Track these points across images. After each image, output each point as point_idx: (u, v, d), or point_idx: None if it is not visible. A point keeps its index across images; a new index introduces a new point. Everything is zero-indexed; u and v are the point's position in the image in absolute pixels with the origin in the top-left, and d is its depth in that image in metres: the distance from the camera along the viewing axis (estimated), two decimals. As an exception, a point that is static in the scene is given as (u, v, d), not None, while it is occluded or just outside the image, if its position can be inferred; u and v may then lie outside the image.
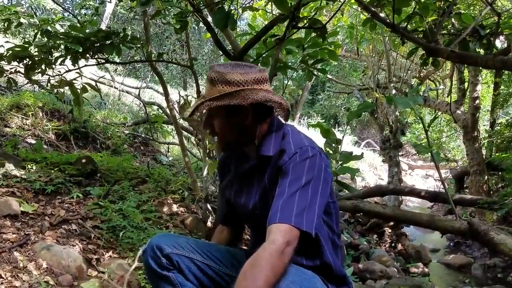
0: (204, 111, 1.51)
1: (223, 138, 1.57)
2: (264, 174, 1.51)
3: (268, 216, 1.36)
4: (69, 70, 3.59)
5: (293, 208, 1.33)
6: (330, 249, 1.53)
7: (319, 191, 1.39)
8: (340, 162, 2.79)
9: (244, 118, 1.50)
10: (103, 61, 3.55)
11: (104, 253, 2.96)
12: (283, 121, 1.61)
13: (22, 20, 3.55)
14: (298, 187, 1.37)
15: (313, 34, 3.19)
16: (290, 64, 3.63)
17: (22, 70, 3.52)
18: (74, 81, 3.59)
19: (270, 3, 3.75)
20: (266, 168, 1.51)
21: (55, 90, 5.66)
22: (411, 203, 10.20)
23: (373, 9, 3.05)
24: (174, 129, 6.06)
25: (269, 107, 1.53)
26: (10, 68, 3.58)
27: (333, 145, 2.83)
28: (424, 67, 7.74)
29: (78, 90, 3.57)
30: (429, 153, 3.47)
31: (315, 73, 3.54)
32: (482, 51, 3.62)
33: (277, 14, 3.16)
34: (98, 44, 3.25)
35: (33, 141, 5.13)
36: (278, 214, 1.33)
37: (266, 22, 4.05)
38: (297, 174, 1.40)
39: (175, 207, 4.02)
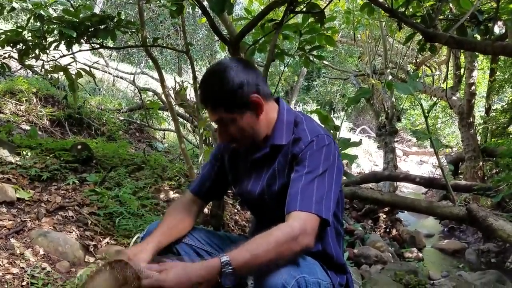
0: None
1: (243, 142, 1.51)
2: (274, 161, 1.49)
3: (287, 202, 1.35)
4: (64, 55, 3.54)
5: (313, 195, 1.33)
6: (333, 237, 1.53)
7: (334, 179, 1.40)
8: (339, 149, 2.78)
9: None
10: (97, 46, 3.50)
11: (101, 239, 2.96)
12: (292, 108, 1.58)
13: (14, 4, 3.48)
14: (316, 175, 1.36)
15: (311, 19, 3.15)
16: (286, 50, 3.60)
17: (15, 55, 3.46)
18: (68, 67, 3.54)
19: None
20: (277, 155, 1.49)
21: (49, 76, 5.62)
22: (406, 189, 10.26)
23: (371, -7, 3.01)
24: (169, 115, 6.03)
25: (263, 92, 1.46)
26: (4, 53, 3.53)
27: (331, 131, 2.82)
28: (421, 53, 7.72)
29: (73, 76, 3.52)
30: (425, 140, 3.47)
31: (312, 59, 3.51)
32: (479, 37, 3.60)
33: (274, -1, 3.12)
34: (93, 28, 3.20)
35: (28, 127, 5.09)
36: (298, 201, 1.32)
37: (263, 7, 4.00)
38: (314, 162, 1.39)
39: (171, 194, 4.02)
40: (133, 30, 3.51)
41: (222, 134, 1.49)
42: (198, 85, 1.51)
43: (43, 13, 3.17)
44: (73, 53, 3.61)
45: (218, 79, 1.40)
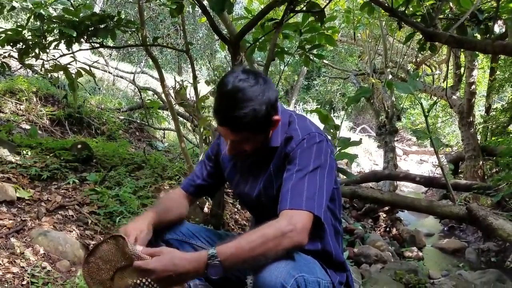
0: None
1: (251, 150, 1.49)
2: (270, 163, 1.50)
3: (279, 201, 1.35)
4: (64, 55, 3.54)
5: (303, 192, 1.33)
6: (332, 235, 1.54)
7: (326, 176, 1.40)
8: (338, 148, 2.78)
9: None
10: (97, 45, 3.50)
11: (101, 239, 2.96)
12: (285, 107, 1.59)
13: (14, 3, 3.48)
14: (306, 172, 1.37)
15: (311, 18, 3.15)
16: (286, 49, 3.60)
17: (15, 55, 3.46)
18: (68, 66, 3.54)
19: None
20: (272, 157, 1.49)
21: (49, 75, 5.61)
22: (406, 188, 10.26)
23: (371, -7, 3.01)
24: (169, 114, 6.03)
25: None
26: (4, 52, 3.53)
27: (332, 131, 2.83)
28: (421, 52, 7.72)
29: (73, 75, 3.52)
30: (425, 139, 3.48)
31: (312, 58, 3.51)
32: (479, 36, 3.60)
33: (275, -2, 3.11)
34: (93, 28, 3.20)
35: (28, 127, 5.09)
36: (289, 199, 1.32)
37: (263, 6, 4.00)
38: (305, 159, 1.39)
39: (171, 193, 4.01)
40: (133, 29, 3.51)
41: (234, 149, 1.47)
42: (214, 105, 1.45)
43: (43, 12, 3.17)
44: (73, 52, 3.61)
45: (241, 103, 1.33)
